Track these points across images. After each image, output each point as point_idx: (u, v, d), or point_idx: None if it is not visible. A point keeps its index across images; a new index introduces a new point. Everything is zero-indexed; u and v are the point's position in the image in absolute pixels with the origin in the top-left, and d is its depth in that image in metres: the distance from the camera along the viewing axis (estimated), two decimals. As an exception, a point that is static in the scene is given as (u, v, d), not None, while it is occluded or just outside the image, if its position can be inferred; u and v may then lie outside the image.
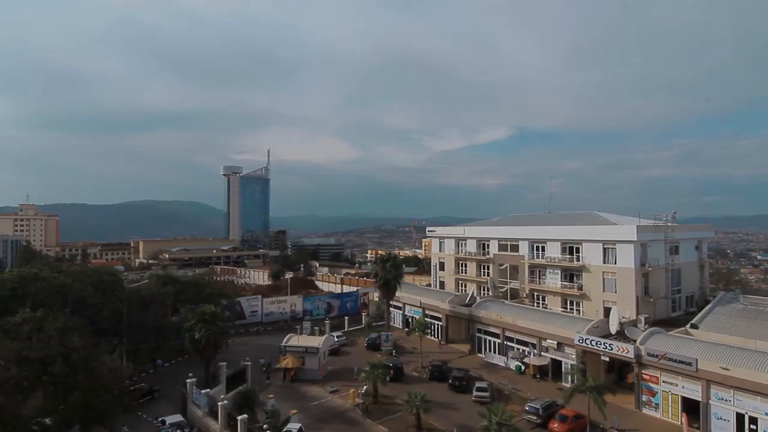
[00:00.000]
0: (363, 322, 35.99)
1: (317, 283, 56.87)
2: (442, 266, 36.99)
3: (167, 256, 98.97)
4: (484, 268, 33.13)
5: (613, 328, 21.01)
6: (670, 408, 18.11)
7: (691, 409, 17.47)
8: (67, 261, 75.96)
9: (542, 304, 28.20)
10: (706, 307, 23.45)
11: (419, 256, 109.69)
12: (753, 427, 15.92)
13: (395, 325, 33.40)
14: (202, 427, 17.75)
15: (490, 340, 26.49)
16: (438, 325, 30.39)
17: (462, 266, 35.05)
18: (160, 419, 17.65)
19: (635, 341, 19.50)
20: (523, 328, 24.44)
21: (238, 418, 15.87)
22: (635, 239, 23.57)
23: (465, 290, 33.84)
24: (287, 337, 25.36)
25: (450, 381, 22.12)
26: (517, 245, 30.36)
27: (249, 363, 22.01)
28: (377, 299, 35.83)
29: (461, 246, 35.23)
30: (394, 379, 22.02)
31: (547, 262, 28.03)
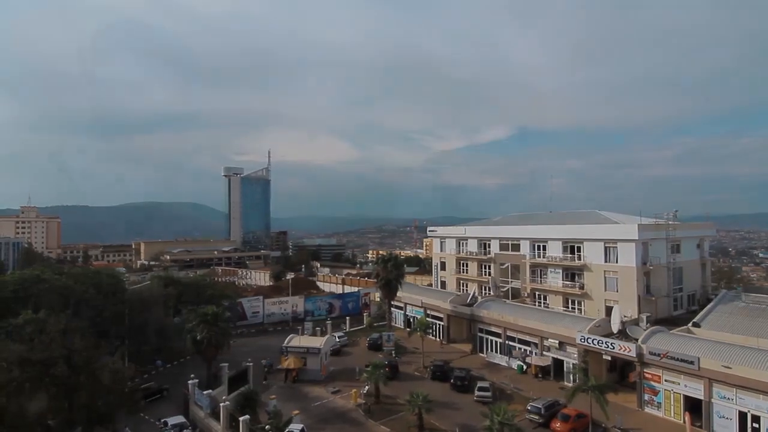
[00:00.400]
0: (364, 322, 35.98)
1: (318, 283, 56.86)
2: (443, 266, 36.97)
3: (168, 257, 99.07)
4: (485, 268, 33.10)
5: (615, 327, 20.98)
6: (672, 407, 18.08)
7: (694, 407, 17.47)
8: (69, 263, 76.06)
9: (544, 303, 28.17)
10: (708, 306, 23.41)
11: (420, 256, 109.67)
12: (755, 425, 15.89)
13: (397, 325, 33.38)
14: (204, 428, 17.76)
15: (491, 340, 26.46)
16: (439, 324, 30.37)
17: (463, 266, 35.03)
18: (162, 420, 17.67)
19: (637, 340, 19.47)
20: (525, 327, 24.42)
21: (240, 418, 15.88)
22: (637, 238, 23.54)
23: (466, 290, 33.81)
24: (289, 337, 25.35)
25: (452, 381, 22.10)
26: (519, 245, 30.33)
27: (251, 364, 22.05)
28: (378, 299, 35.81)
29: (462, 246, 35.20)
30: (390, 377, 21.99)
31: (548, 262, 28.00)
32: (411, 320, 33.98)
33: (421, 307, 32.35)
